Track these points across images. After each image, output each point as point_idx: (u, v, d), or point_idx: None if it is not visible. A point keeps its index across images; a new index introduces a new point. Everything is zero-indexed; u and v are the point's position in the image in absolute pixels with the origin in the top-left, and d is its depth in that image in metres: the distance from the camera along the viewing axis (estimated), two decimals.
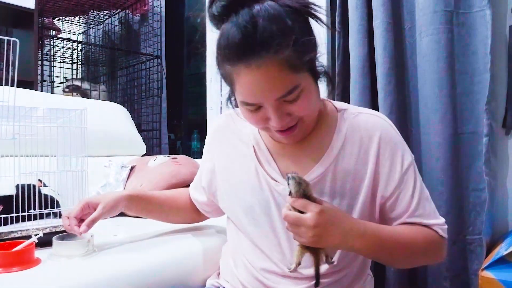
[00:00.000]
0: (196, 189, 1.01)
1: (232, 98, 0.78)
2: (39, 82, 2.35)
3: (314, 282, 0.74)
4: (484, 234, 1.17)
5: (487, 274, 0.96)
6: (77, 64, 3.01)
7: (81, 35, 3.29)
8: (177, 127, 3.68)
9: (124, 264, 0.87)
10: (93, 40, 3.21)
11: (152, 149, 2.76)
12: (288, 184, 0.67)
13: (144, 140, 2.30)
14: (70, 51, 2.87)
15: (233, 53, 0.65)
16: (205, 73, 2.51)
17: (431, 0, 1.30)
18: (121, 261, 0.88)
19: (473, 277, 1.22)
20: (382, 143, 0.79)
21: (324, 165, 0.79)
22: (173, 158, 1.54)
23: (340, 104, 0.86)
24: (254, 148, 0.85)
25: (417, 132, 1.39)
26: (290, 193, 0.67)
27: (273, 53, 0.63)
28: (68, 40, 2.64)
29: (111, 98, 2.97)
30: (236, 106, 0.78)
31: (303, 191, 0.67)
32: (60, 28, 3.06)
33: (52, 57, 2.88)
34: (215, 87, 2.42)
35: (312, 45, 0.70)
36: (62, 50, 2.82)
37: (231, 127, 0.90)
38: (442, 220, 0.81)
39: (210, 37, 2.53)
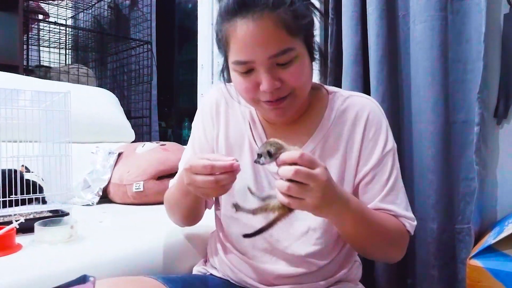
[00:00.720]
0: None
1: (225, 72, 0.79)
2: (24, 67, 2.28)
3: (306, 265, 0.79)
4: (473, 223, 1.17)
5: (475, 262, 0.96)
6: (65, 49, 2.94)
7: (70, 19, 3.21)
8: (168, 115, 3.64)
9: (107, 250, 0.86)
10: (82, 25, 3.14)
11: (142, 137, 2.72)
12: (268, 151, 0.63)
13: (133, 127, 2.26)
14: (58, 35, 2.79)
15: (231, 7, 0.67)
16: (196, 60, 2.47)
17: None
18: (105, 247, 0.87)
19: (461, 265, 1.22)
20: (368, 125, 0.80)
21: (314, 142, 0.80)
22: (161, 145, 1.52)
23: (331, 88, 0.86)
24: (250, 124, 0.85)
25: (409, 121, 1.37)
26: (270, 156, 0.63)
27: (270, 8, 0.65)
28: (55, 23, 2.56)
29: (100, 84, 2.91)
30: (229, 80, 0.79)
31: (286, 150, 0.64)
32: (48, 12, 2.98)
33: (39, 41, 2.81)
34: (206, 74, 2.38)
35: (309, 12, 0.73)
36: (49, 34, 2.74)
37: (228, 101, 0.88)
38: (412, 216, 0.81)
39: (202, 24, 2.49)
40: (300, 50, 0.70)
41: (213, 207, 0.93)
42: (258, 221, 0.72)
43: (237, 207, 0.75)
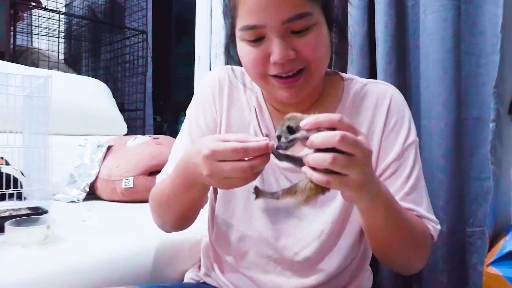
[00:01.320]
0: None
1: (231, 47, 0.72)
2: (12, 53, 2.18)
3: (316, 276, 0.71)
4: (487, 226, 1.09)
5: (493, 270, 0.88)
6: (58, 38, 2.83)
7: (63, 8, 3.10)
8: (164, 109, 3.55)
9: (88, 254, 0.77)
10: (75, 20, 3.03)
11: (135, 131, 2.63)
12: (289, 126, 0.53)
13: (127, 120, 2.17)
14: (51, 23, 2.68)
15: None
16: (193, 52, 2.38)
17: None
18: (85, 250, 0.78)
19: (472, 271, 1.15)
20: (390, 113, 0.73)
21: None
22: (154, 138, 1.43)
23: (347, 75, 0.78)
24: (256, 111, 0.76)
25: (418, 117, 1.29)
26: (291, 132, 0.53)
27: None
28: (47, 9, 2.45)
29: (94, 75, 2.81)
30: (234, 59, 0.72)
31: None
32: (45, 6, 2.87)
33: (31, 29, 2.70)
34: (204, 67, 2.30)
35: None
36: (40, 21, 2.63)
37: (233, 83, 0.79)
38: (436, 219, 0.73)
39: (200, 13, 2.40)
40: (318, 17, 0.62)
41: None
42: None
43: (257, 192, 0.62)
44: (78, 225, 0.94)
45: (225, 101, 0.77)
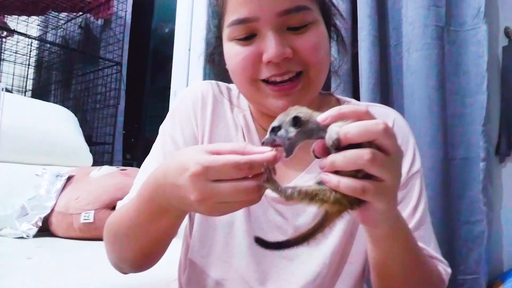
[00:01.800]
0: None
1: (216, 55, 0.65)
2: None
3: None
4: (482, 273, 1.02)
5: None
6: (28, 66, 2.70)
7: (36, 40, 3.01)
8: (134, 147, 3.40)
9: None
10: (48, 45, 2.93)
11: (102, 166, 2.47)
12: (296, 117, 0.41)
13: (94, 155, 2.03)
14: (19, 47, 2.57)
15: None
16: (168, 88, 2.32)
17: (421, 14, 1.21)
18: None
19: None
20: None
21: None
22: (121, 170, 1.30)
23: (343, 97, 0.73)
24: (243, 131, 0.67)
25: None
26: (297, 125, 0.41)
27: None
28: (17, 32, 2.35)
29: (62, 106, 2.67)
30: (219, 64, 0.65)
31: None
32: (14, 29, 2.77)
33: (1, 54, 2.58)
34: None
35: None
36: (8, 44, 2.52)
37: (218, 98, 0.70)
38: (445, 260, 0.65)
39: (178, 47, 2.36)
40: (316, 15, 0.56)
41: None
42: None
43: (269, 180, 0.42)
44: (21, 263, 0.79)
45: (208, 117, 0.67)
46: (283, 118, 0.41)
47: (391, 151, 0.38)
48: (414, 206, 0.62)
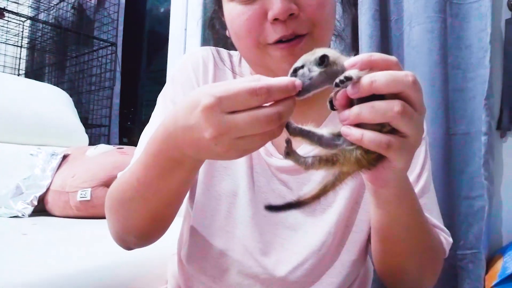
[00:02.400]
0: None
1: (216, 19, 0.62)
2: None
3: None
4: (483, 247, 1.01)
5: None
6: (20, 47, 2.65)
7: (28, 21, 2.94)
8: (131, 131, 3.37)
9: (26, 271, 0.61)
10: (41, 26, 2.87)
11: None
12: (324, 56, 0.37)
13: (90, 138, 2.00)
14: (11, 27, 2.51)
15: None
16: (165, 70, 2.28)
17: None
18: (21, 268, 0.62)
19: None
20: None
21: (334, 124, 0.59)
22: (118, 148, 1.28)
23: None
24: None
25: None
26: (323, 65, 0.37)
27: None
28: (10, 12, 2.28)
29: None
30: (219, 30, 0.62)
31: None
32: (4, 8, 2.70)
33: None
34: None
35: None
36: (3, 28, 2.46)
37: (219, 64, 0.67)
38: (446, 230, 0.64)
39: (174, 28, 2.32)
40: None
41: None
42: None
43: (289, 149, 0.41)
44: (17, 239, 0.77)
45: (210, 82, 0.65)
46: (308, 58, 0.38)
47: (417, 106, 0.36)
48: (418, 173, 0.61)
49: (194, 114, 0.37)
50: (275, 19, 0.51)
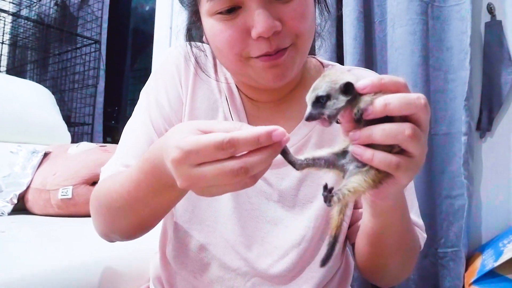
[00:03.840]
0: (136, 155, 0.60)
1: (194, 29, 0.60)
2: None
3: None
4: (463, 245, 1.03)
5: None
6: (2, 44, 2.59)
7: (10, 17, 2.88)
8: (115, 130, 3.33)
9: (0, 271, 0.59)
10: (23, 22, 2.81)
11: None
12: (347, 84, 0.37)
13: (73, 136, 1.96)
14: None
15: None
16: (150, 69, 2.26)
17: None
18: None
19: None
20: None
21: (309, 125, 0.60)
22: (101, 146, 1.26)
23: (326, 61, 0.70)
24: (226, 96, 0.64)
25: None
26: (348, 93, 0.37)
27: None
28: None
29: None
30: (198, 40, 0.61)
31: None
32: None
33: None
34: None
35: None
36: None
37: (200, 61, 0.65)
38: (423, 224, 0.65)
39: (159, 26, 2.30)
40: None
41: None
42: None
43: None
44: None
45: (191, 78, 0.65)
46: (330, 85, 0.37)
47: (424, 127, 0.38)
48: None
49: (167, 161, 0.38)
50: (259, 37, 0.51)
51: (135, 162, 0.50)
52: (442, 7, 1.21)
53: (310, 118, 0.37)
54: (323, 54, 1.32)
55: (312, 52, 0.68)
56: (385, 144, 0.37)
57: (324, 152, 0.41)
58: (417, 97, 0.36)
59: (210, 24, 0.54)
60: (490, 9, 1.19)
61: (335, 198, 0.38)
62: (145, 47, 2.73)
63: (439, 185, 1.15)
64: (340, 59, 1.32)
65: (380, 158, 0.36)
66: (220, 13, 0.52)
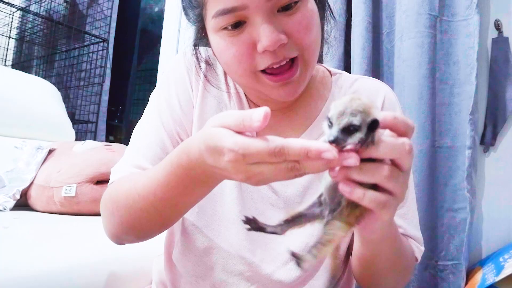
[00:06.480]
0: (152, 160, 0.61)
1: (202, 43, 0.60)
2: None
3: None
4: (464, 259, 1.03)
5: None
6: (9, 38, 2.60)
7: (18, 12, 2.89)
8: (118, 129, 3.33)
9: (4, 269, 0.59)
10: (31, 18, 2.82)
11: None
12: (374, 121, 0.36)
13: (76, 134, 1.97)
14: (4, 20, 2.47)
15: None
16: (156, 70, 2.27)
17: (415, 2, 1.21)
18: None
19: None
20: (384, 110, 0.64)
21: (314, 134, 0.61)
22: (106, 145, 1.27)
23: (334, 69, 0.70)
24: (236, 102, 0.64)
25: None
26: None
27: None
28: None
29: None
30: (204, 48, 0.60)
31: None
32: None
33: None
34: None
35: None
36: None
37: (208, 70, 0.66)
38: (421, 237, 0.65)
39: (167, 27, 2.31)
40: None
41: None
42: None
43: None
44: None
45: (201, 82, 0.65)
46: (363, 117, 0.35)
47: (406, 168, 0.38)
48: None
49: (222, 160, 0.38)
50: (265, 50, 0.51)
51: (160, 165, 0.50)
52: (450, 21, 1.21)
53: (335, 142, 0.35)
54: (330, 61, 1.33)
55: (319, 59, 0.68)
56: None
57: (301, 207, 0.42)
58: (402, 143, 0.37)
59: (217, 40, 0.55)
60: (498, 26, 1.19)
61: (308, 258, 0.39)
62: (152, 47, 2.75)
63: (442, 197, 1.15)
64: (347, 68, 1.33)
65: (370, 197, 0.37)
66: (226, 28, 0.52)
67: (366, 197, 0.37)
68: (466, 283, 0.98)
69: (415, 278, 1.11)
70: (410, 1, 1.20)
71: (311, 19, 0.54)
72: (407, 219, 0.62)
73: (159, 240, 0.71)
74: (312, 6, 0.55)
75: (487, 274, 0.90)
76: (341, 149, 0.35)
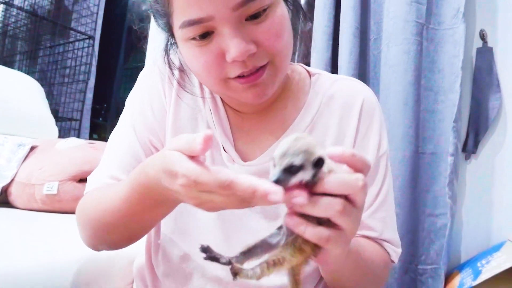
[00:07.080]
0: (125, 170, 0.61)
1: (173, 48, 0.59)
2: None
3: None
4: (443, 263, 1.05)
5: None
6: None
7: (1, 5, 2.83)
8: (102, 127, 3.29)
9: None
10: (14, 12, 2.76)
11: None
12: (320, 158, 0.36)
13: (60, 131, 1.93)
14: None
15: None
16: (142, 68, 2.24)
17: (403, 9, 1.23)
18: None
19: None
20: (362, 117, 0.63)
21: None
22: (90, 143, 1.25)
23: (313, 69, 0.69)
24: (210, 108, 0.63)
25: None
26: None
27: None
28: None
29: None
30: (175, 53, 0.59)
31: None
32: None
33: None
34: None
35: None
36: None
37: (182, 76, 0.64)
38: (398, 240, 0.65)
39: (154, 27, 2.30)
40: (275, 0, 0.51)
41: None
42: None
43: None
44: None
45: (175, 88, 0.64)
46: (305, 157, 0.35)
47: (359, 205, 0.39)
48: (378, 189, 0.62)
49: (175, 184, 0.38)
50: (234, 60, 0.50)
51: (124, 181, 0.50)
52: (436, 29, 1.24)
53: (277, 183, 0.35)
54: (317, 67, 1.34)
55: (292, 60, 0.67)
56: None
57: (259, 238, 0.42)
58: (355, 178, 0.38)
59: (186, 50, 0.53)
60: (483, 36, 1.22)
61: (248, 274, 0.39)
62: (138, 47, 2.72)
63: (423, 203, 1.17)
64: (333, 73, 1.34)
65: (311, 232, 0.38)
66: (194, 38, 0.51)
67: (307, 232, 0.38)
68: (445, 287, 1.00)
69: (395, 281, 1.13)
70: (397, 8, 1.22)
71: (281, 25, 0.52)
72: (386, 222, 0.62)
73: (140, 240, 0.70)
74: (282, 11, 0.53)
75: (465, 279, 0.92)
76: (288, 188, 0.35)
